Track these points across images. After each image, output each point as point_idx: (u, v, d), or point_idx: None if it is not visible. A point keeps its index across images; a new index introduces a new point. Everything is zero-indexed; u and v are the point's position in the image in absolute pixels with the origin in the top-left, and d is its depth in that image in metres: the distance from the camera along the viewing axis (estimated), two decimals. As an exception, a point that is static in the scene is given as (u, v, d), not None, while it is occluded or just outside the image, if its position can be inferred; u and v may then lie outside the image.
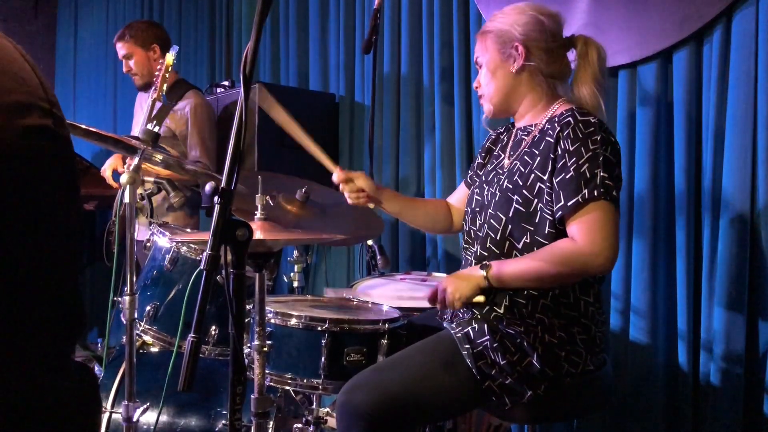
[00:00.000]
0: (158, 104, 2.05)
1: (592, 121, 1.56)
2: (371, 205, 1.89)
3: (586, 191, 1.50)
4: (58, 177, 0.62)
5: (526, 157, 1.64)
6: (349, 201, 1.86)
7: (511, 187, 1.62)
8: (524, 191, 1.60)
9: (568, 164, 1.53)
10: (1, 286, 0.57)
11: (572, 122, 1.56)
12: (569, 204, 1.51)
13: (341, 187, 1.84)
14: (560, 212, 1.53)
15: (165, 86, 2.11)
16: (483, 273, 1.57)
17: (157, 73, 2.12)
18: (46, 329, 0.62)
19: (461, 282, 1.59)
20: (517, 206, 1.60)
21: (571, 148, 1.54)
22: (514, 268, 1.56)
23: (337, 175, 1.84)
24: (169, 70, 2.12)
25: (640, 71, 2.23)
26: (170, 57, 2.12)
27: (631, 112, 2.25)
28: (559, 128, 1.57)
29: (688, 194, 2.13)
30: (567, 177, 1.53)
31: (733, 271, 2.00)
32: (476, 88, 1.78)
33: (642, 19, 2.18)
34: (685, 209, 2.13)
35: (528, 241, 1.59)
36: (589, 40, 1.69)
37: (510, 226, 1.61)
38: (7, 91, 0.58)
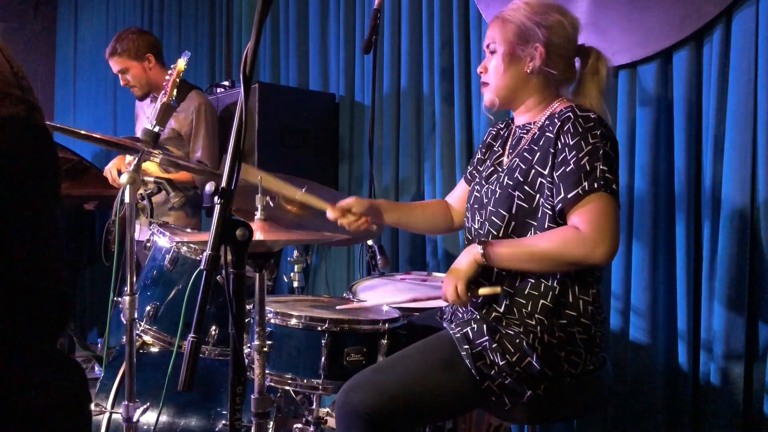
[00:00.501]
0: (156, 108, 2.05)
1: (592, 116, 1.57)
2: (374, 227, 1.88)
3: (586, 183, 1.51)
4: (34, 167, 0.61)
5: (525, 153, 1.64)
6: (352, 230, 1.85)
7: (511, 183, 1.62)
8: (526, 187, 1.60)
9: (569, 158, 1.54)
10: None
11: (572, 117, 1.56)
12: (569, 196, 1.52)
13: (339, 222, 1.83)
14: (560, 204, 1.54)
15: (175, 91, 2.11)
16: (479, 248, 1.57)
17: (167, 77, 2.13)
18: (27, 320, 0.61)
19: (458, 266, 1.60)
20: (519, 202, 1.60)
21: (572, 142, 1.54)
22: (510, 243, 1.58)
23: (331, 213, 1.83)
24: (181, 75, 2.12)
25: (640, 71, 2.23)
26: (182, 63, 2.12)
27: (631, 112, 2.25)
28: (559, 123, 1.58)
29: (688, 194, 2.13)
30: (567, 170, 1.53)
31: (733, 271, 2.00)
32: (480, 73, 1.74)
33: (642, 18, 2.18)
34: (685, 209, 2.13)
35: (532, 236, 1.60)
36: (600, 55, 1.68)
37: (513, 223, 1.61)
38: None
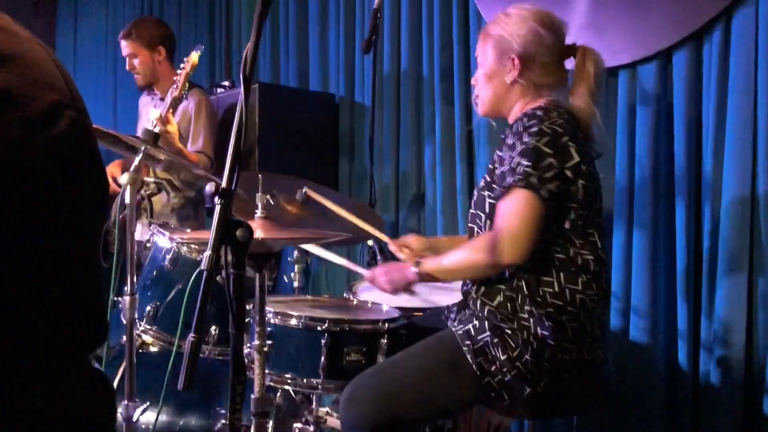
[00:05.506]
0: (166, 101, 2.04)
1: (538, 114, 1.58)
2: None
3: (508, 180, 1.54)
4: (84, 187, 0.62)
5: (496, 155, 1.68)
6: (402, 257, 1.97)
7: (484, 185, 1.68)
8: (493, 186, 1.63)
9: (505, 159, 1.58)
10: (20, 292, 0.57)
11: (521, 117, 1.60)
12: (497, 195, 1.58)
13: (397, 255, 1.96)
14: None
15: (187, 85, 2.10)
16: (414, 270, 1.66)
17: (179, 71, 2.11)
18: (66, 337, 0.62)
19: (393, 279, 1.71)
20: (490, 201, 1.64)
21: (510, 142, 1.59)
22: (436, 261, 1.66)
23: (391, 246, 1.98)
24: (194, 68, 2.10)
25: (640, 71, 2.23)
26: (195, 56, 2.10)
27: (631, 112, 2.25)
28: (514, 126, 1.62)
29: (688, 194, 2.13)
30: (503, 170, 1.57)
31: (734, 271, 2.00)
32: (473, 84, 1.80)
33: (642, 19, 2.18)
34: (685, 209, 2.13)
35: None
36: (587, 51, 1.67)
37: (489, 222, 1.64)
38: (34, 99, 0.58)
